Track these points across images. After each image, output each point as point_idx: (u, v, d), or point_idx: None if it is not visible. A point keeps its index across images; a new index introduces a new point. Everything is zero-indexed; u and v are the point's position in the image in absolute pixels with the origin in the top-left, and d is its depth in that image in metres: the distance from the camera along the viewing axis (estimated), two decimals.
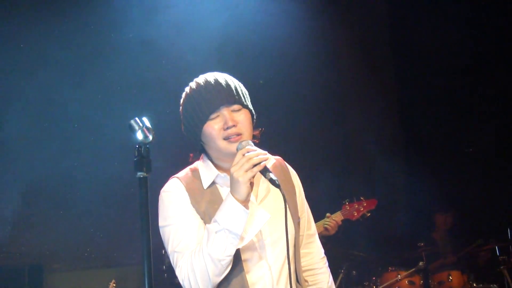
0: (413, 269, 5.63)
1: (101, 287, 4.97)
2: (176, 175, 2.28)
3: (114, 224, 5.21)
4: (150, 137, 1.80)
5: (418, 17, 6.86)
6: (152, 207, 1.84)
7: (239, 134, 2.13)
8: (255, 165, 1.98)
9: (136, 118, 1.80)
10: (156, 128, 1.84)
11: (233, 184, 2.00)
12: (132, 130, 1.80)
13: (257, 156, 1.99)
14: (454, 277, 5.62)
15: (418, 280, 5.67)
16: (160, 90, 5.33)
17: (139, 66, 5.34)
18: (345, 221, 4.98)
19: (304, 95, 6.49)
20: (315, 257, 2.46)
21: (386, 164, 6.76)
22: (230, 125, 2.12)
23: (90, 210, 5.12)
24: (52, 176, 5.16)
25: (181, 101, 2.27)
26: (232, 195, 2.00)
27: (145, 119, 1.82)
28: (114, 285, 4.90)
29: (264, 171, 2.03)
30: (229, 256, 2.02)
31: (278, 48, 5.96)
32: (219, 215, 2.02)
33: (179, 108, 2.30)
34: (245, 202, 2.00)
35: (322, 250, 2.50)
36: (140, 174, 1.79)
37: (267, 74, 5.96)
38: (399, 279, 5.60)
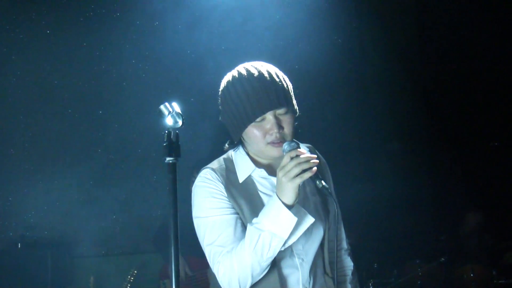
0: (435, 263, 5.58)
1: (122, 273, 5.02)
2: (210, 166, 2.20)
3: (137, 211, 5.24)
4: (180, 123, 1.77)
5: (446, 5, 6.77)
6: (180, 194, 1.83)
7: (283, 140, 2.05)
8: (304, 170, 1.88)
9: (166, 103, 1.78)
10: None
11: (281, 188, 1.91)
12: (161, 115, 1.78)
13: (307, 161, 1.89)
14: (476, 271, 5.55)
15: (439, 274, 5.62)
16: (184, 78, 5.33)
17: (164, 53, 5.34)
18: (363, 215, 4.94)
19: (325, 85, 6.45)
20: (338, 247, 2.42)
21: (410, 157, 6.71)
22: (275, 131, 2.04)
23: (113, 197, 5.15)
24: (75, 162, 5.21)
25: (223, 89, 2.15)
26: (279, 197, 1.92)
27: (174, 104, 1.79)
28: (135, 272, 4.96)
29: (315, 178, 1.93)
30: (272, 257, 1.97)
31: (300, 33, 5.91)
32: (264, 218, 1.95)
33: (219, 91, 2.19)
34: (292, 206, 1.93)
35: (347, 240, 2.47)
36: (169, 159, 1.77)
37: (290, 63, 5.92)
38: (420, 273, 5.55)
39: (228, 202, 2.10)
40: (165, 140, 1.78)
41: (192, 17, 5.32)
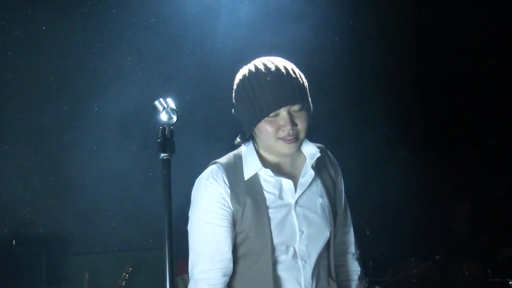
0: (430, 261, 5.58)
1: (117, 271, 5.01)
2: (219, 161, 2.18)
3: (132, 207, 5.22)
4: (175, 119, 1.78)
5: (444, 3, 6.78)
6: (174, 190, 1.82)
7: (295, 137, 2.06)
8: None
9: (161, 99, 1.78)
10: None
11: None
12: (156, 111, 1.78)
13: None
14: (471, 270, 5.56)
15: (434, 273, 5.62)
16: (180, 75, 5.32)
17: (160, 50, 5.34)
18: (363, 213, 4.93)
19: (323, 83, 6.44)
20: (346, 251, 2.41)
21: (406, 155, 6.71)
22: (289, 127, 2.03)
23: (108, 193, 5.13)
24: (70, 159, 5.19)
25: (238, 83, 2.13)
26: None
27: (169, 100, 1.80)
28: (130, 269, 4.95)
29: None
30: None
31: (298, 32, 5.89)
32: None
33: (233, 84, 2.17)
34: None
35: (356, 245, 2.44)
36: (163, 155, 1.77)
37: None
38: (415, 271, 5.55)
39: (226, 209, 2.09)
40: (159, 136, 1.79)
41: (188, 15, 5.32)
